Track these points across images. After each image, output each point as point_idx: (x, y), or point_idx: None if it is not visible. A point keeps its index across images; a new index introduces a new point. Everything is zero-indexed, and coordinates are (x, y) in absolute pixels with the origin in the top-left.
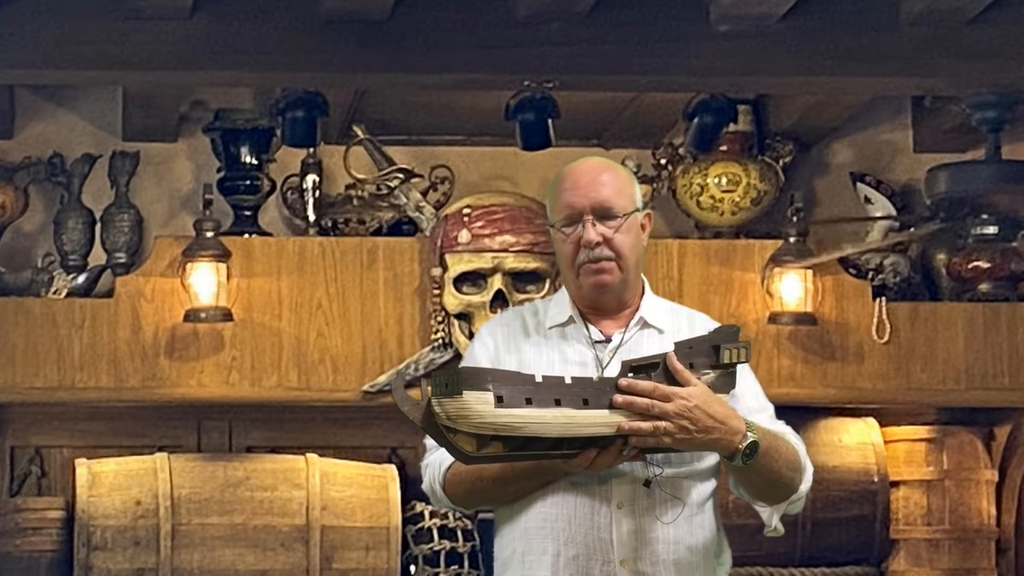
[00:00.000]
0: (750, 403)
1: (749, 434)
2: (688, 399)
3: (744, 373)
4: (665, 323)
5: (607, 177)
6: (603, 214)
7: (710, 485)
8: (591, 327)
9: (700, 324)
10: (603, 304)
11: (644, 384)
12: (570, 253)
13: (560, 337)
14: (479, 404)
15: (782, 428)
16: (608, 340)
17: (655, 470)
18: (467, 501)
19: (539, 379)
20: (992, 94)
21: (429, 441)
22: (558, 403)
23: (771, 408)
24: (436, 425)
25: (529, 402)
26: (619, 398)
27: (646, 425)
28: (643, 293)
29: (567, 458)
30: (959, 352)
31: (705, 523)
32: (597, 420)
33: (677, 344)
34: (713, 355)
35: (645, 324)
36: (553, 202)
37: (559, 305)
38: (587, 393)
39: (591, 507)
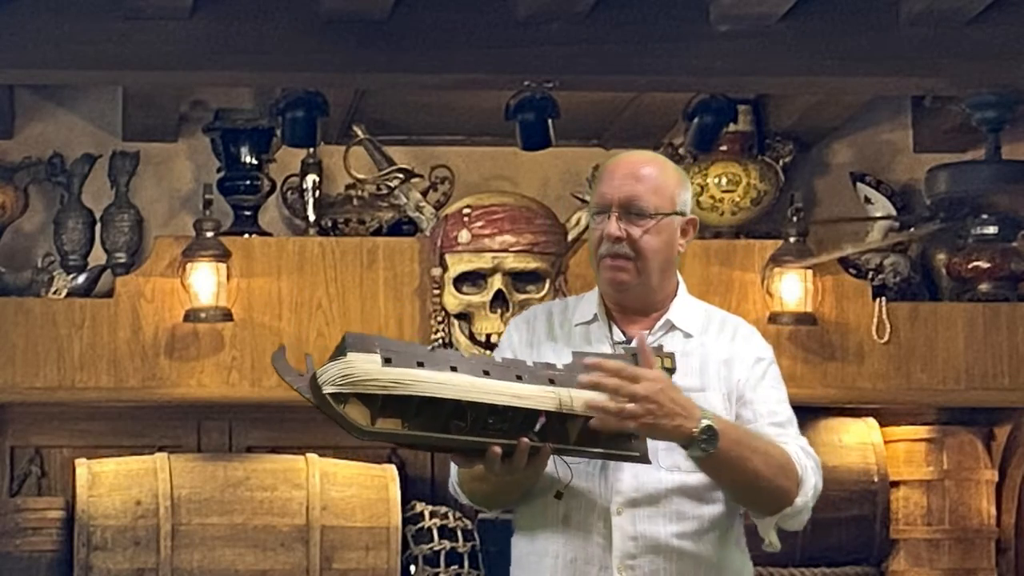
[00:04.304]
0: (759, 408)
1: (704, 420)
2: (655, 381)
3: (766, 378)
4: (695, 327)
5: (647, 172)
6: (631, 210)
7: (721, 503)
8: (615, 327)
9: (731, 328)
10: (625, 303)
11: (613, 363)
12: (594, 244)
13: (583, 337)
14: (365, 363)
15: (791, 439)
16: (630, 341)
17: (566, 475)
18: (474, 499)
19: (431, 349)
20: (992, 94)
21: None
22: (454, 370)
23: (785, 416)
24: (324, 397)
25: (421, 365)
26: (585, 377)
27: (612, 405)
28: (675, 295)
29: (476, 450)
30: (959, 352)
31: (716, 541)
32: (500, 389)
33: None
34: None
35: (672, 327)
36: (593, 191)
37: (588, 302)
38: (489, 367)
39: (590, 512)
